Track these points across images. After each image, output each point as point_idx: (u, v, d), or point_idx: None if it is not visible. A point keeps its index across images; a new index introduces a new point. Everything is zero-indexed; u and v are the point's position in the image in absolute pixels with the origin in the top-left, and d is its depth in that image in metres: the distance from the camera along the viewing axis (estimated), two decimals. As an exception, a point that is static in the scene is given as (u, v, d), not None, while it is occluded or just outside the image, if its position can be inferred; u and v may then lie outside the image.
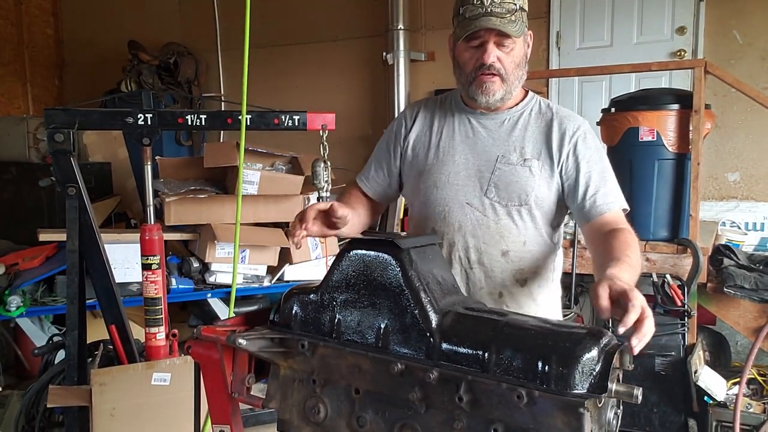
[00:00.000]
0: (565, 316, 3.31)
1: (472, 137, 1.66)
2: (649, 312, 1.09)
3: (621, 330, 1.07)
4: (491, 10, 1.49)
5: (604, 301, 1.13)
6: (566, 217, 1.73)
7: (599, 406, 1.02)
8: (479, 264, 1.62)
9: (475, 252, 1.61)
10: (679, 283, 3.13)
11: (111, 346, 2.65)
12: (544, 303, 1.68)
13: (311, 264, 3.88)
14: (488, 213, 1.61)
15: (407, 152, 1.74)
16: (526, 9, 1.57)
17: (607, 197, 1.57)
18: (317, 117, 2.54)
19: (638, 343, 1.06)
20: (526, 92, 1.70)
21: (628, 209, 1.61)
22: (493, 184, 1.60)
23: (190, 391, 1.41)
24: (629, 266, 1.31)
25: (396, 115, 4.95)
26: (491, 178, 1.61)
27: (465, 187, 1.63)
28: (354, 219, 1.64)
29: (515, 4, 1.51)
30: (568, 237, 3.57)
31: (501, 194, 1.60)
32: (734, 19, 4.19)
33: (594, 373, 1.01)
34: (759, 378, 3.04)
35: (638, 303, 1.09)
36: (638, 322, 1.08)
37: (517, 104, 1.67)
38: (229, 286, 3.34)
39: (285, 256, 3.81)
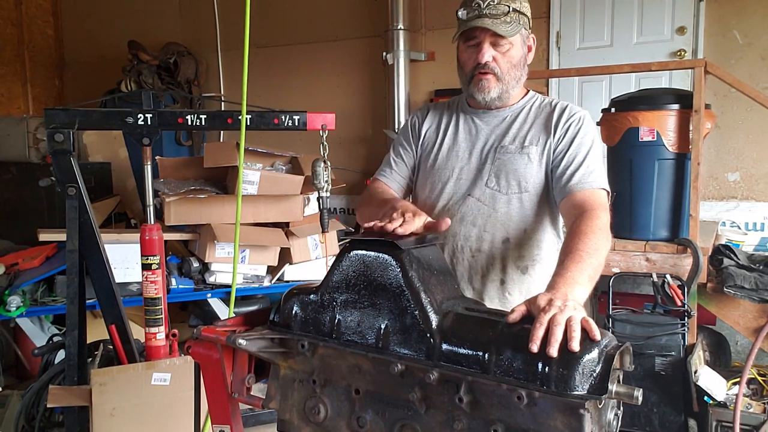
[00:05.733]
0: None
1: (474, 134, 1.74)
2: (561, 318, 1.05)
3: (532, 347, 1.03)
4: (485, 12, 1.57)
5: (515, 315, 1.12)
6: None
7: (599, 407, 1.01)
8: (480, 251, 1.66)
9: (477, 240, 1.66)
10: (679, 283, 3.13)
11: (111, 346, 2.66)
12: None
13: (311, 264, 3.88)
14: (488, 202, 1.66)
15: (420, 147, 1.82)
16: (525, 12, 1.62)
17: (588, 177, 1.58)
18: (317, 117, 2.54)
19: (552, 349, 1.02)
20: (528, 92, 1.77)
21: (608, 189, 1.61)
22: (493, 173, 1.66)
23: (190, 391, 1.41)
24: (574, 264, 1.28)
25: (396, 116, 4.99)
26: (491, 168, 1.67)
27: (467, 181, 1.69)
28: None
29: (509, 6, 1.57)
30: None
31: (501, 183, 1.65)
32: (734, 19, 4.18)
33: (594, 374, 1.01)
34: (759, 378, 3.04)
35: (536, 304, 1.09)
36: (549, 331, 1.04)
37: (518, 101, 1.74)
38: (229, 286, 3.34)
39: (285, 256, 3.81)
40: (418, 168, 1.83)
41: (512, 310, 1.13)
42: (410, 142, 1.84)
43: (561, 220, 1.71)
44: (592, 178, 1.58)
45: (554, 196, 1.65)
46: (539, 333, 1.04)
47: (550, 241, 1.70)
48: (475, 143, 1.72)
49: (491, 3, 1.56)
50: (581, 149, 1.62)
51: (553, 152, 1.64)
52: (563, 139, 1.64)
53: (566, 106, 1.70)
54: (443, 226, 1.37)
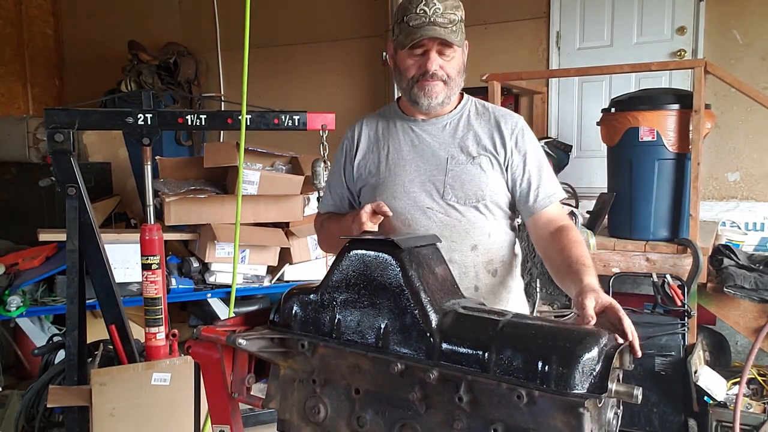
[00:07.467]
0: (564, 316, 3.31)
1: (418, 144, 1.72)
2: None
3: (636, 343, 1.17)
4: (434, 20, 1.55)
5: (592, 311, 1.23)
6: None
7: (599, 406, 1.02)
8: (451, 262, 1.62)
9: (447, 251, 1.62)
10: (679, 283, 3.13)
11: (111, 346, 2.66)
12: (514, 290, 1.76)
13: (311, 264, 3.88)
14: (451, 213, 1.66)
15: (357, 171, 1.78)
16: (463, 20, 1.64)
17: (548, 190, 1.68)
18: (317, 117, 2.55)
19: (637, 345, 1.16)
20: (462, 95, 1.77)
21: (566, 196, 1.73)
22: (449, 185, 1.66)
23: (190, 391, 1.41)
24: (593, 270, 1.45)
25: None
26: (446, 180, 1.67)
27: (422, 194, 1.68)
28: None
29: (456, 15, 1.58)
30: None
31: (458, 194, 1.66)
32: (734, 18, 4.19)
33: (594, 373, 1.01)
34: (759, 378, 3.04)
35: (623, 313, 1.21)
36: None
37: (455, 107, 1.74)
38: (229, 286, 3.34)
39: (285, 256, 3.81)
40: (360, 190, 1.78)
41: (587, 315, 1.21)
42: (344, 170, 1.80)
43: (513, 219, 1.77)
44: (551, 190, 1.68)
45: (519, 211, 1.74)
46: (629, 327, 1.18)
47: (509, 242, 1.74)
48: (422, 154, 1.69)
49: (437, 10, 1.54)
50: (532, 163, 1.68)
51: (508, 169, 1.68)
52: (515, 155, 1.68)
53: (504, 115, 1.73)
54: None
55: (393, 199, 1.68)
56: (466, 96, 1.77)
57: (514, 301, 1.74)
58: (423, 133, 1.72)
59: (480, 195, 1.65)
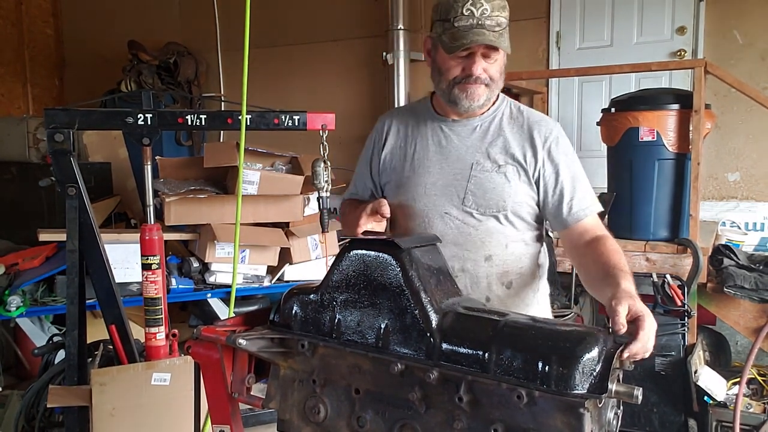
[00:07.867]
0: (564, 316, 3.31)
1: (445, 146, 1.67)
2: (653, 340, 1.15)
3: (624, 355, 1.11)
4: (483, 22, 1.48)
5: (624, 319, 1.17)
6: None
7: (599, 406, 1.02)
8: (463, 271, 1.62)
9: (458, 260, 1.61)
10: (679, 283, 3.12)
11: (111, 346, 2.65)
12: (533, 302, 1.70)
13: (311, 264, 3.88)
14: (468, 221, 1.62)
15: (384, 165, 1.76)
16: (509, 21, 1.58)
17: (583, 203, 1.61)
18: (317, 117, 2.54)
19: (629, 358, 1.11)
20: (497, 95, 1.71)
21: (602, 209, 1.65)
22: (471, 192, 1.62)
23: (190, 391, 1.41)
24: (631, 277, 1.37)
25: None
26: (468, 186, 1.62)
27: (442, 197, 1.64)
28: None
29: (503, 17, 1.51)
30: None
31: (479, 202, 1.61)
32: (734, 19, 4.19)
33: (594, 374, 1.01)
34: (759, 378, 3.04)
35: (648, 332, 1.15)
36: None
37: (488, 109, 1.68)
38: (229, 286, 3.33)
39: (285, 256, 3.81)
40: (384, 186, 1.77)
41: (618, 323, 1.16)
42: (372, 161, 1.80)
43: (539, 230, 1.70)
44: (586, 203, 1.61)
45: (551, 223, 1.67)
46: (638, 348, 1.12)
47: (530, 254, 1.68)
48: (448, 157, 1.65)
49: (485, 11, 1.47)
50: (566, 174, 1.61)
51: (539, 180, 1.62)
52: (546, 165, 1.61)
53: (539, 121, 1.66)
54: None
55: (414, 201, 1.66)
56: (501, 96, 1.70)
57: (535, 314, 1.65)
58: (452, 134, 1.67)
59: (501, 205, 1.60)
